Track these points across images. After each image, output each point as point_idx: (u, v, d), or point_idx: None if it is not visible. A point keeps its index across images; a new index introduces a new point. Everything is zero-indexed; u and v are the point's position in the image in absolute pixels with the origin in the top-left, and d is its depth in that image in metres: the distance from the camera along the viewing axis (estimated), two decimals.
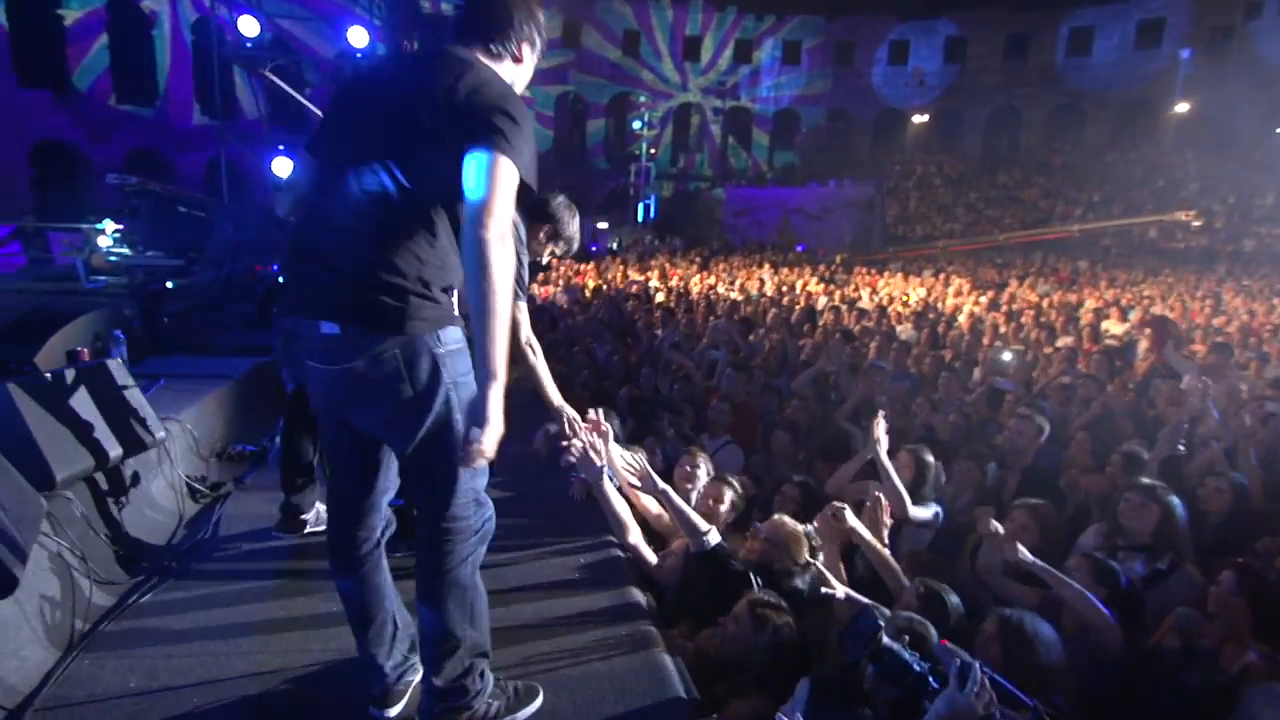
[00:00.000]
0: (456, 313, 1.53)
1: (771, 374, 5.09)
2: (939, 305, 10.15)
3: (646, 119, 27.97)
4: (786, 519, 2.37)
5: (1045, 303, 10.14)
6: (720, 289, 10.74)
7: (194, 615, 1.91)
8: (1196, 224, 19.42)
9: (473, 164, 1.37)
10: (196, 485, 2.59)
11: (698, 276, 12.89)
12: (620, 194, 29.03)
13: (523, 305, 2.30)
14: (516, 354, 2.40)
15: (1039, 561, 2.18)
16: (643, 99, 30.10)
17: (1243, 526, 2.92)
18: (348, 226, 1.44)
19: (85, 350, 3.38)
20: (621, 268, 13.64)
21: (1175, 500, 2.70)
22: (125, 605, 1.89)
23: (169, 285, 5.79)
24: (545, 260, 2.45)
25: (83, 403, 2.00)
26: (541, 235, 2.32)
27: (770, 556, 2.17)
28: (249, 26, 7.74)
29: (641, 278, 11.96)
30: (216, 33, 8.80)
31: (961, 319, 8.77)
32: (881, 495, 2.51)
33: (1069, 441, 3.84)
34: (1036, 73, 30.62)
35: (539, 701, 1.64)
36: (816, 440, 3.48)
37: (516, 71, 1.61)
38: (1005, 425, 3.99)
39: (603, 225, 25.33)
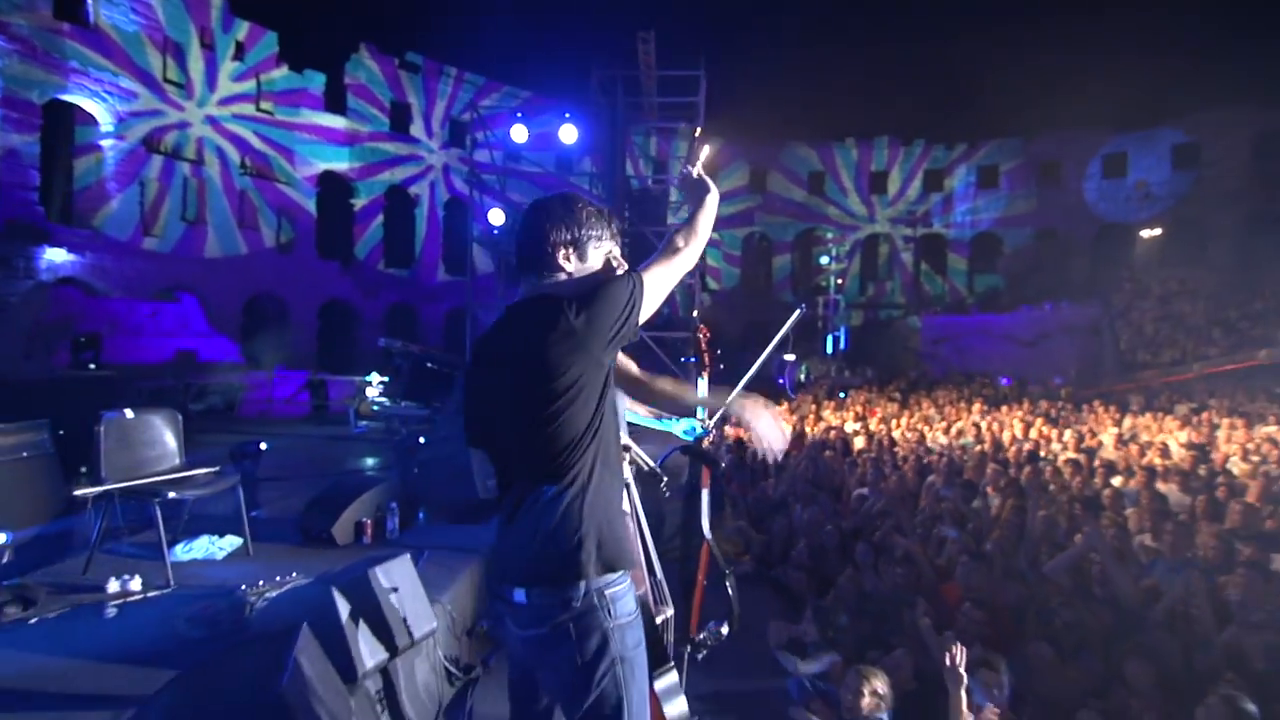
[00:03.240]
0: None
1: (1008, 554, 4.51)
2: (1210, 456, 8.50)
3: (834, 253, 28.23)
4: None
5: None
6: (929, 436, 10.02)
7: None
8: None
9: None
10: (452, 669, 2.83)
11: (899, 417, 12.18)
12: (809, 326, 29.02)
13: None
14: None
15: None
16: (829, 235, 30.57)
17: None
18: None
19: (369, 522, 3.97)
20: (814, 407, 13.32)
21: None
22: None
23: (421, 440, 6.65)
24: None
25: (383, 597, 2.32)
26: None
27: None
28: (496, 217, 9.33)
29: (838, 420, 11.55)
30: (472, 219, 10.77)
31: (1238, 472, 7.26)
32: None
33: None
34: None
35: None
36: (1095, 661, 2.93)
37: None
38: None
39: (790, 357, 25.27)
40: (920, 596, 3.50)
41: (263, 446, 5.96)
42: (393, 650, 2.26)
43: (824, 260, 28.91)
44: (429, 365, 9.77)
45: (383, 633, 2.24)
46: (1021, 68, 36.03)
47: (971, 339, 25.00)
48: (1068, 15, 40.51)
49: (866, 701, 2.54)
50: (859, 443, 9.48)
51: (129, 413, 3.29)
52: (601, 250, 1.74)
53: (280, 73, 24.28)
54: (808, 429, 10.64)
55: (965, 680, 2.31)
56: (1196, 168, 28.31)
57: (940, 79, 36.39)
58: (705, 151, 1.94)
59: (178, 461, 3.50)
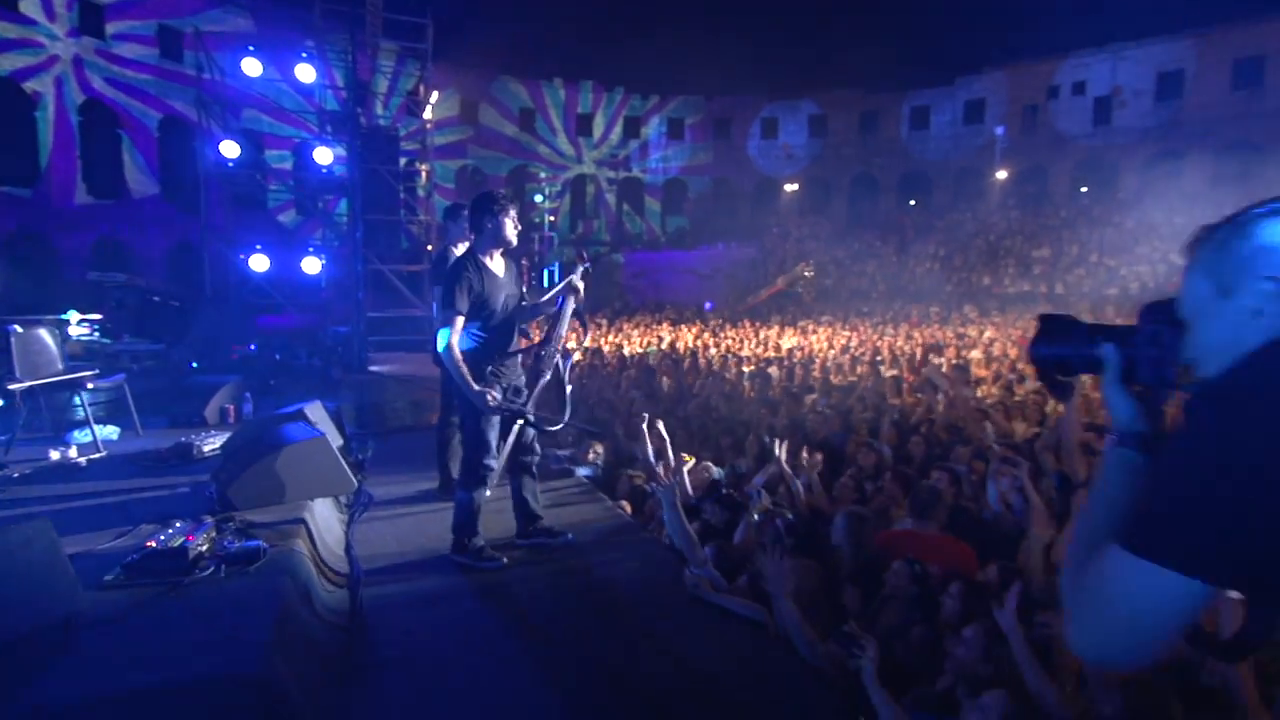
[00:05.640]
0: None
1: (674, 402, 7.48)
2: (805, 350, 13.09)
3: (547, 192, 30.71)
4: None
5: (884, 344, 13.30)
6: (626, 349, 13.22)
7: (388, 519, 3.95)
8: (809, 274, 26.97)
9: None
10: (352, 475, 4.52)
11: (606, 336, 15.33)
12: (517, 256, 31.40)
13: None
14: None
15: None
16: (543, 174, 32.94)
17: (937, 454, 5.46)
18: None
19: (231, 407, 5.24)
20: (538, 331, 15.85)
21: (886, 448, 5.21)
22: (355, 516, 3.89)
23: (193, 365, 7.46)
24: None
25: (313, 420, 3.97)
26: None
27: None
28: (230, 150, 9.48)
29: None
30: (199, 148, 10.44)
31: (817, 360, 11.68)
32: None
33: (857, 428, 6.42)
34: (886, 145, 36.22)
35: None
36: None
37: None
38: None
39: None
40: (619, 420, 6.14)
41: None
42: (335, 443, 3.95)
43: (538, 198, 31.29)
44: (155, 299, 9.91)
45: (333, 432, 3.91)
46: (703, 32, 41.83)
47: (664, 273, 29.92)
48: None
49: (590, 457, 5.01)
50: (576, 356, 12.23)
51: (19, 328, 4.11)
52: (505, 217, 3.56)
53: None
54: None
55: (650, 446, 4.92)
56: (824, 135, 36.80)
57: (639, 30, 40.55)
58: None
59: (60, 366, 4.36)
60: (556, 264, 31.91)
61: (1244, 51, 28.88)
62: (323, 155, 9.64)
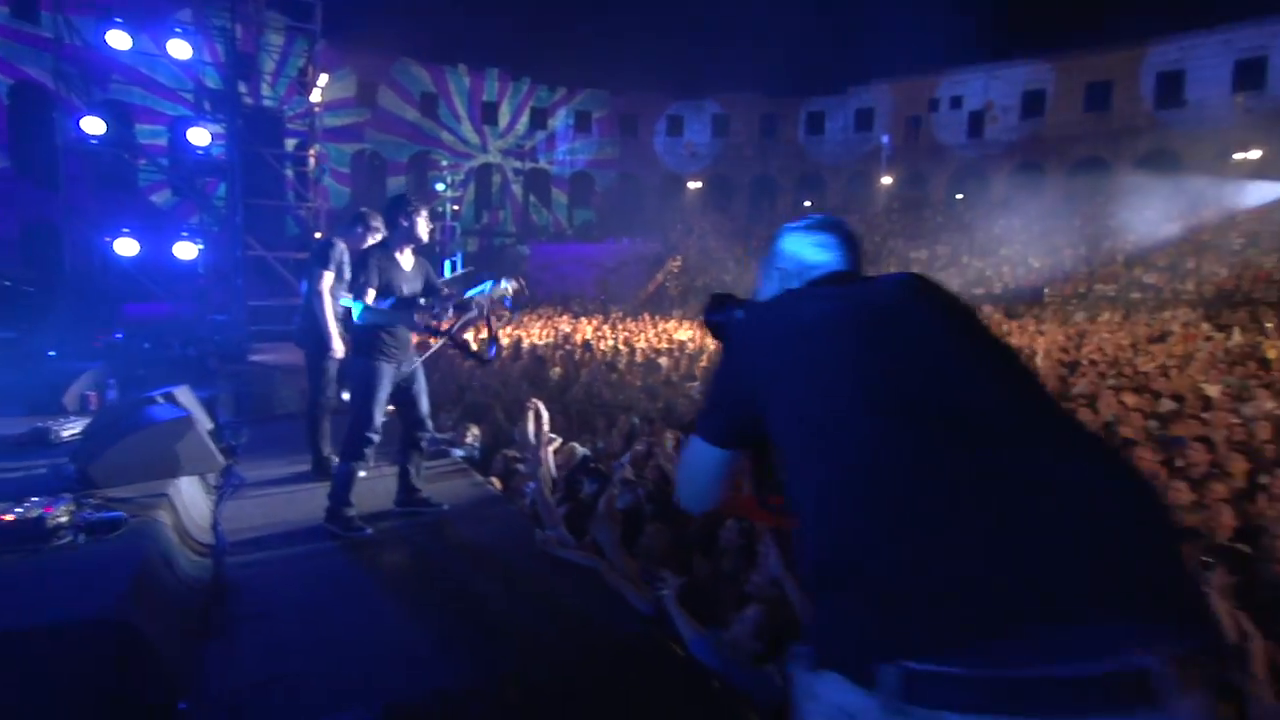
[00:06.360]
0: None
1: (561, 390, 7.83)
2: (697, 342, 13.75)
3: (450, 180, 30.18)
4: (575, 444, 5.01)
5: None
6: (524, 342, 13.44)
7: (259, 498, 4.06)
8: (675, 268, 29.76)
9: None
10: (219, 455, 4.57)
11: (504, 327, 15.45)
12: (425, 250, 30.75)
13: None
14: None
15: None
16: (444, 162, 32.30)
17: None
18: None
19: (93, 394, 5.13)
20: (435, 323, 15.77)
21: None
22: (224, 495, 3.99)
23: (51, 354, 7.14)
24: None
25: (183, 404, 4.04)
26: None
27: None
28: (94, 126, 8.89)
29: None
30: (58, 121, 9.69)
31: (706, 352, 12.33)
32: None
33: None
34: (784, 146, 37.86)
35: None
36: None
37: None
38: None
39: None
40: (499, 404, 6.42)
41: None
42: (206, 426, 4.02)
43: (440, 186, 30.71)
44: (6, 284, 9.32)
45: (205, 415, 3.97)
46: (610, 27, 42.10)
47: (570, 266, 30.10)
48: None
49: (467, 439, 5.28)
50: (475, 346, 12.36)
51: None
52: (419, 217, 3.82)
53: None
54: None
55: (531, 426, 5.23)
56: (726, 135, 38.01)
57: (545, 21, 40.35)
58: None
59: None
60: (459, 254, 31.44)
61: (1096, 76, 32.11)
62: (198, 136, 9.28)
